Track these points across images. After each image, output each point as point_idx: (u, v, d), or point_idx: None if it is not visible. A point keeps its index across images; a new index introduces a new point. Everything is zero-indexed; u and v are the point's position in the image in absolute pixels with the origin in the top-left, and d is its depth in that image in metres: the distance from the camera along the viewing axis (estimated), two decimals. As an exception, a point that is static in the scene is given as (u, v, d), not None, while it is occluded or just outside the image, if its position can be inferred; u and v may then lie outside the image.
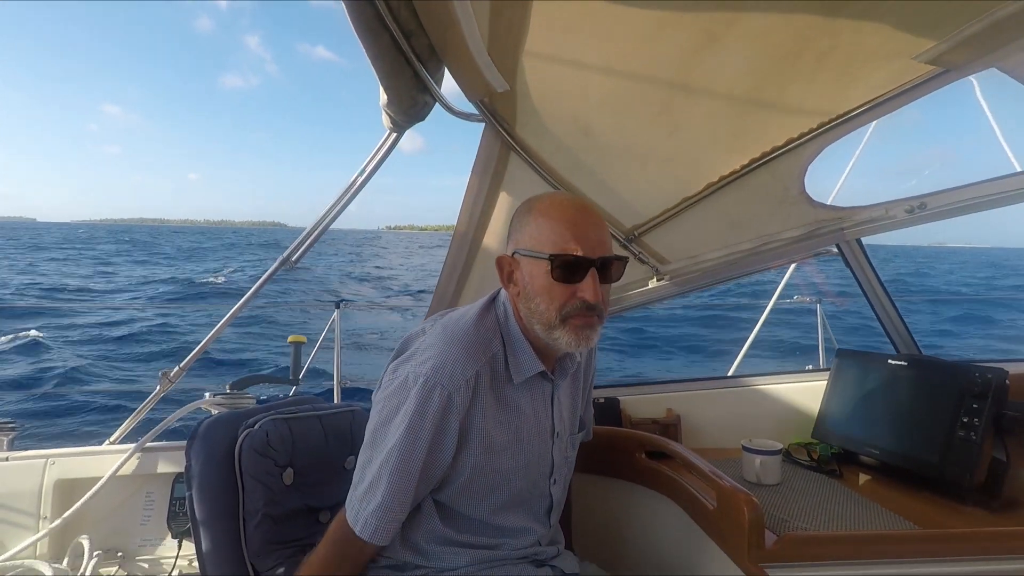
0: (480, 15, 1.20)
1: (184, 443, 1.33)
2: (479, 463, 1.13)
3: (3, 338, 10.79)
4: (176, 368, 2.03)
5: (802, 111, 1.66)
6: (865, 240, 2.14)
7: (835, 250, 2.17)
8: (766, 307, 3.80)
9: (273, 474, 1.36)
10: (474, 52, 1.27)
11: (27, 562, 1.89)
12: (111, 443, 2.12)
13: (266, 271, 1.93)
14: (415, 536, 1.17)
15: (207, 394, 2.08)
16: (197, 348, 2.04)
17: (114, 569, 1.98)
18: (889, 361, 1.80)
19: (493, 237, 1.86)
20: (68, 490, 2.03)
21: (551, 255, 1.06)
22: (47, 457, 2.04)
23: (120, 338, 12.12)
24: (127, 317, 13.83)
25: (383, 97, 1.42)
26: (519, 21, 1.29)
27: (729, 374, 3.16)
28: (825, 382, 2.00)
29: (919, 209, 1.90)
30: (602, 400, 2.10)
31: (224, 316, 2.03)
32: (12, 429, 2.19)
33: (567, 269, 1.06)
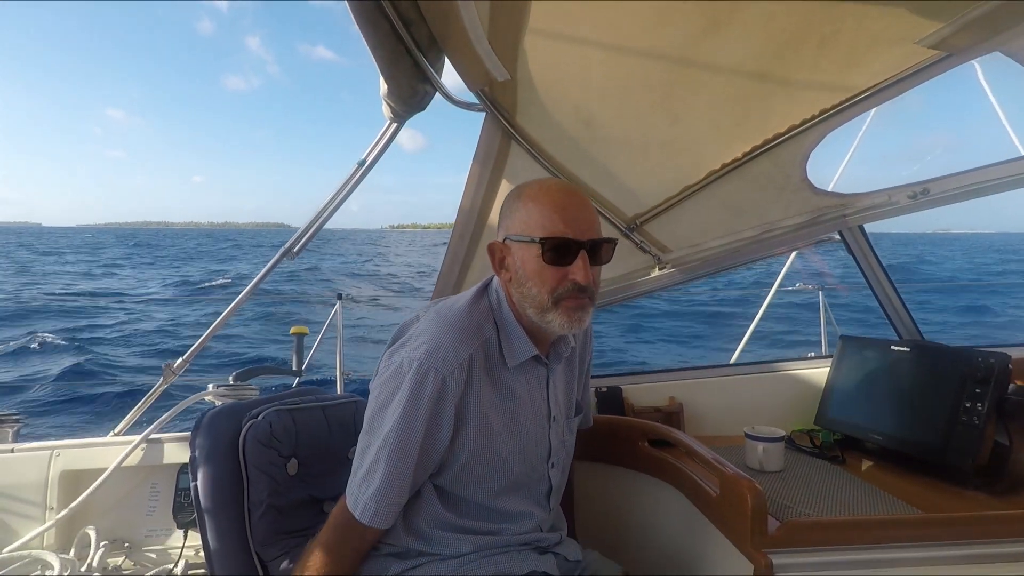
0: (480, 4, 1.20)
1: (188, 434, 1.34)
2: (476, 446, 1.14)
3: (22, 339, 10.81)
4: (180, 360, 2.03)
5: (804, 97, 1.66)
6: (867, 227, 2.13)
7: (837, 237, 2.17)
8: (767, 296, 3.79)
9: (277, 465, 1.36)
10: (474, 41, 1.26)
11: (34, 552, 1.91)
12: (116, 434, 2.13)
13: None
14: (417, 521, 1.18)
15: (210, 385, 2.09)
16: (200, 339, 2.05)
17: (121, 559, 2.00)
18: (892, 347, 1.80)
19: (495, 226, 1.86)
20: (74, 481, 2.05)
21: (542, 239, 1.08)
22: (52, 448, 2.05)
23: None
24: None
25: (383, 87, 1.41)
26: (519, 10, 1.28)
27: (731, 362, 3.16)
28: (827, 369, 2.00)
29: (922, 195, 1.89)
30: (604, 389, 2.10)
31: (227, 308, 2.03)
32: (16, 421, 2.21)
33: (558, 252, 1.08)
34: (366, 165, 1.78)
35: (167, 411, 2.10)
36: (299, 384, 2.52)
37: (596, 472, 1.78)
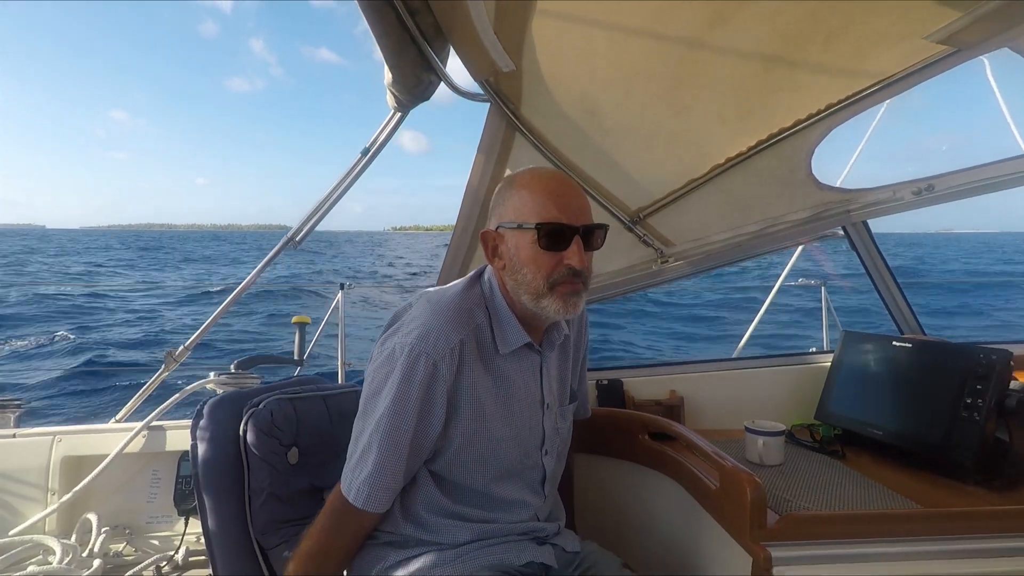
0: (486, -7, 1.19)
1: (189, 422, 1.34)
2: (469, 431, 1.15)
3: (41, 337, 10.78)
4: (181, 347, 2.04)
5: (811, 92, 1.65)
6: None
7: (841, 232, 2.16)
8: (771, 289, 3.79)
9: (278, 453, 1.36)
10: (480, 31, 1.26)
11: (36, 537, 1.92)
12: (117, 421, 2.13)
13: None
14: (415, 507, 1.19)
15: (212, 374, 2.10)
16: (202, 327, 2.05)
17: (122, 545, 2.01)
18: (894, 343, 1.80)
19: (498, 217, 1.86)
20: (75, 467, 2.06)
21: (537, 224, 1.09)
22: (54, 434, 2.06)
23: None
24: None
25: (388, 76, 1.40)
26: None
27: (733, 356, 3.16)
28: (828, 364, 2.00)
29: (927, 191, 1.89)
30: (605, 382, 2.10)
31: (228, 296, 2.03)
32: (18, 406, 2.22)
33: (553, 237, 1.09)
34: (369, 154, 1.77)
35: (168, 399, 2.10)
36: (300, 373, 2.52)
37: (596, 464, 1.79)
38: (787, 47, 1.45)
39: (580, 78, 1.56)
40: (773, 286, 3.79)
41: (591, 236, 1.14)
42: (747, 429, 1.65)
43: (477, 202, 1.81)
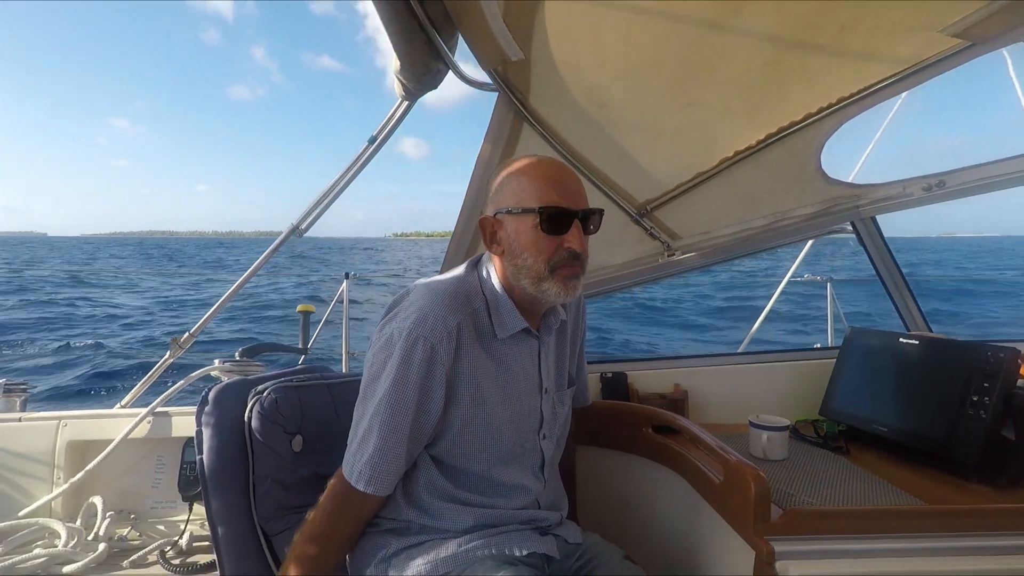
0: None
1: (194, 408, 1.34)
2: (469, 415, 1.16)
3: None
4: (186, 334, 2.05)
5: (822, 85, 1.63)
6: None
7: (849, 228, 2.15)
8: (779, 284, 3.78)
9: (282, 441, 1.37)
10: (489, 19, 1.25)
11: (42, 520, 1.94)
12: (122, 406, 2.15)
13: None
14: (417, 491, 1.20)
15: (217, 361, 2.10)
16: (207, 314, 2.05)
17: (127, 530, 2.03)
18: (900, 339, 1.79)
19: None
20: (81, 451, 2.07)
21: (539, 208, 1.11)
22: (60, 419, 2.07)
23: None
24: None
25: (396, 63, 1.40)
26: (535, -13, 1.26)
27: (739, 351, 3.16)
28: (833, 360, 1.99)
29: (937, 187, 1.87)
30: (610, 374, 2.10)
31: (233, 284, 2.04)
32: (24, 390, 2.23)
33: (554, 221, 1.11)
34: (376, 142, 1.77)
35: (173, 385, 2.11)
36: (305, 362, 2.53)
37: (599, 457, 1.79)
38: (799, 39, 1.43)
39: (589, 69, 1.55)
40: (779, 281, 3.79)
41: (588, 220, 1.16)
42: (751, 424, 1.64)
43: (483, 191, 1.80)
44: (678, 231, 2.17)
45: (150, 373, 2.12)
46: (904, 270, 2.19)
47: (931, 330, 2.16)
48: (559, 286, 1.14)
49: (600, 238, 2.11)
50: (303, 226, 1.97)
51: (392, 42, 1.28)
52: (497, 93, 1.64)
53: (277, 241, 2.00)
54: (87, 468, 1.97)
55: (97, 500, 2.00)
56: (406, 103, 1.63)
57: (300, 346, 2.61)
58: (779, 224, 2.11)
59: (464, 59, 1.48)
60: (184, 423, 2.07)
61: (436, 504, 1.19)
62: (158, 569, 1.85)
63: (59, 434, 2.06)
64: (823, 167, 1.92)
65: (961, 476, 1.48)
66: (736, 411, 2.00)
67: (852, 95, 1.64)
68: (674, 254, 2.20)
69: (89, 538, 1.93)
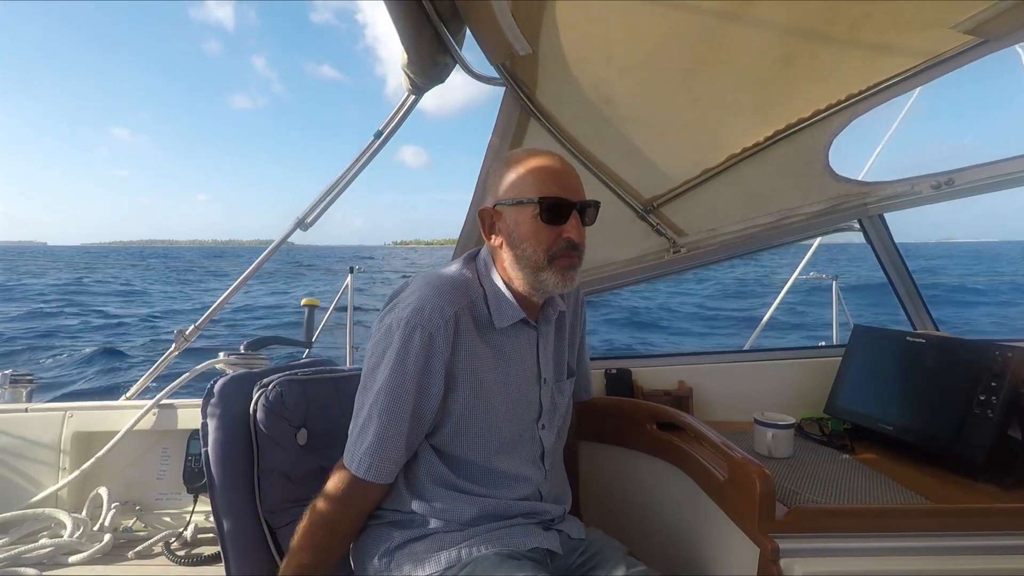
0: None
1: (199, 400, 1.35)
2: (468, 404, 1.17)
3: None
4: (192, 327, 2.05)
5: (831, 82, 1.62)
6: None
7: (856, 226, 2.14)
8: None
9: (287, 434, 1.37)
10: (497, 13, 1.25)
11: (48, 511, 1.95)
12: (127, 398, 2.15)
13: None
14: (420, 480, 1.21)
15: (221, 354, 2.11)
16: (213, 306, 2.06)
17: (132, 521, 2.04)
18: (907, 338, 1.78)
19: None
20: (86, 442, 2.08)
21: (540, 198, 1.13)
22: (65, 410, 2.08)
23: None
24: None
25: (402, 57, 1.39)
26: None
27: (744, 348, 3.15)
28: (838, 359, 1.98)
29: (946, 185, 1.86)
30: (614, 371, 2.10)
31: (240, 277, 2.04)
32: (30, 382, 2.24)
33: (553, 211, 1.13)
34: (383, 136, 1.76)
35: (179, 377, 2.12)
36: (309, 355, 2.53)
37: (603, 453, 1.79)
38: (809, 34, 1.42)
39: (596, 63, 1.54)
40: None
41: (586, 212, 1.19)
42: (756, 421, 1.64)
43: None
44: (684, 228, 2.16)
45: (156, 365, 2.13)
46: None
47: (938, 329, 2.15)
48: (557, 276, 1.16)
49: (606, 234, 2.12)
50: (309, 219, 1.97)
51: (400, 35, 1.27)
52: (504, 88, 1.63)
53: (284, 235, 2.00)
54: (93, 459, 1.98)
55: (103, 491, 2.01)
56: (413, 97, 1.62)
57: (304, 339, 2.61)
58: (786, 221, 2.10)
59: (471, 53, 1.48)
60: (189, 415, 2.08)
61: (439, 493, 1.20)
62: (163, 560, 1.86)
63: (65, 425, 2.07)
64: (831, 164, 1.90)
65: (968, 475, 1.48)
66: (741, 409, 2.00)
67: (861, 92, 1.63)
68: (680, 251, 2.20)
69: (95, 529, 1.94)
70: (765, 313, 3.70)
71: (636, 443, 1.71)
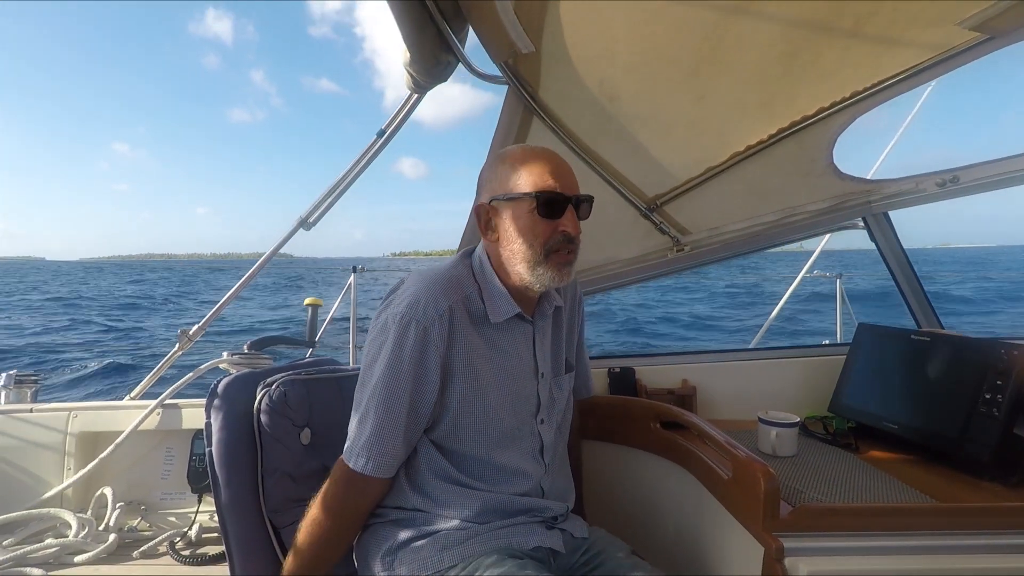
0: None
1: (203, 400, 1.35)
2: (465, 397, 1.18)
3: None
4: (195, 327, 2.05)
5: (835, 80, 1.61)
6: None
7: (861, 224, 2.13)
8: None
9: (291, 433, 1.37)
10: (500, 11, 1.25)
11: (53, 511, 1.95)
12: (131, 398, 2.16)
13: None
14: (421, 474, 1.21)
15: (225, 353, 2.11)
16: (216, 307, 2.06)
17: (136, 521, 2.04)
18: (911, 336, 1.78)
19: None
20: (91, 442, 2.08)
21: (536, 193, 1.14)
22: (70, 410, 2.08)
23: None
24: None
25: (405, 55, 1.39)
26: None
27: (750, 346, 3.14)
28: (842, 357, 1.98)
29: (951, 183, 1.85)
30: (617, 369, 2.10)
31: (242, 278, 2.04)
32: (35, 382, 2.24)
33: (550, 205, 1.14)
34: (385, 135, 1.76)
35: (183, 377, 2.12)
36: (312, 355, 2.53)
37: (606, 452, 1.79)
38: (813, 33, 1.42)
39: (599, 62, 1.54)
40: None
41: (581, 206, 1.19)
42: (760, 420, 1.64)
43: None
44: (688, 226, 2.16)
45: (159, 365, 2.13)
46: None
47: (943, 327, 2.14)
48: (554, 271, 1.16)
49: (609, 233, 2.12)
50: (311, 218, 1.97)
51: (402, 34, 1.27)
52: (507, 86, 1.63)
53: (287, 235, 2.00)
54: (97, 459, 1.98)
55: (107, 491, 2.02)
56: (415, 96, 1.63)
57: (307, 339, 2.61)
58: (790, 220, 2.10)
59: (473, 52, 1.47)
60: (193, 415, 2.08)
61: (440, 488, 1.20)
62: (167, 560, 1.86)
63: (69, 425, 2.07)
64: (835, 162, 1.90)
65: (973, 474, 1.47)
66: (745, 407, 2.00)
67: (866, 89, 1.62)
68: (683, 249, 2.19)
69: (100, 529, 1.95)
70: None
71: (640, 442, 1.71)
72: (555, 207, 1.14)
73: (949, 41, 1.44)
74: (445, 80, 1.51)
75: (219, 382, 1.36)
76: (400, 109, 1.70)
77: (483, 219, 1.23)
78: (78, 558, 1.80)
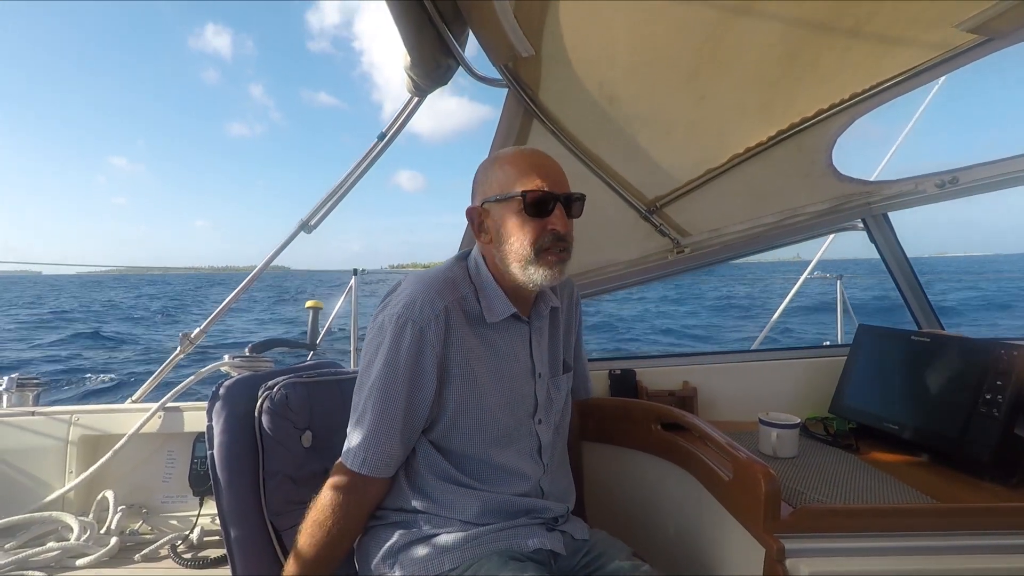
0: (507, -24, 1.18)
1: (204, 403, 1.35)
2: (462, 397, 1.18)
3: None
4: (197, 330, 2.05)
5: (834, 81, 1.62)
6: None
7: (860, 225, 2.13)
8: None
9: (292, 436, 1.37)
10: (500, 15, 1.25)
11: (55, 514, 1.95)
12: (133, 401, 2.16)
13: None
14: (421, 474, 1.21)
15: (226, 356, 2.11)
16: (217, 310, 2.06)
17: (138, 524, 2.04)
18: (912, 337, 1.78)
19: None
20: (92, 446, 2.09)
21: (523, 192, 1.15)
22: (72, 413, 2.09)
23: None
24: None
25: (406, 59, 1.39)
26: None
27: (751, 348, 3.14)
28: (843, 358, 1.98)
29: (950, 184, 1.86)
30: (618, 371, 2.10)
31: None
32: (37, 385, 2.24)
33: (538, 204, 1.15)
34: (386, 139, 1.77)
35: (184, 380, 2.12)
36: (313, 357, 2.54)
37: (607, 453, 1.79)
38: (812, 35, 1.42)
39: (599, 64, 1.54)
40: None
41: (571, 204, 1.20)
42: (761, 421, 1.64)
43: None
44: (688, 228, 2.16)
45: (161, 368, 2.14)
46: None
47: (943, 328, 2.14)
48: (545, 269, 1.17)
49: (609, 235, 2.12)
50: (312, 221, 1.97)
51: (402, 38, 1.28)
52: (507, 89, 1.64)
53: (288, 238, 2.00)
54: (99, 463, 1.98)
55: (109, 494, 2.02)
56: (416, 99, 1.63)
57: (308, 342, 2.62)
58: (790, 221, 2.10)
59: (474, 55, 1.48)
60: (194, 418, 2.08)
61: (440, 488, 1.20)
62: (169, 563, 1.86)
63: (71, 428, 2.07)
64: (834, 163, 1.90)
65: (974, 474, 1.47)
66: (745, 409, 2.00)
67: (865, 91, 1.62)
68: (683, 251, 2.19)
69: (101, 532, 1.95)
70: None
71: (640, 444, 1.71)
72: (542, 206, 1.15)
73: (948, 43, 1.45)
74: (445, 83, 1.51)
75: (221, 385, 1.36)
76: (401, 112, 1.71)
77: (476, 221, 1.24)
78: (80, 561, 1.80)
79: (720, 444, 1.33)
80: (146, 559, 1.88)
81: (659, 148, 1.86)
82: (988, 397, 1.49)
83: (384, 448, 1.14)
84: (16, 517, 1.92)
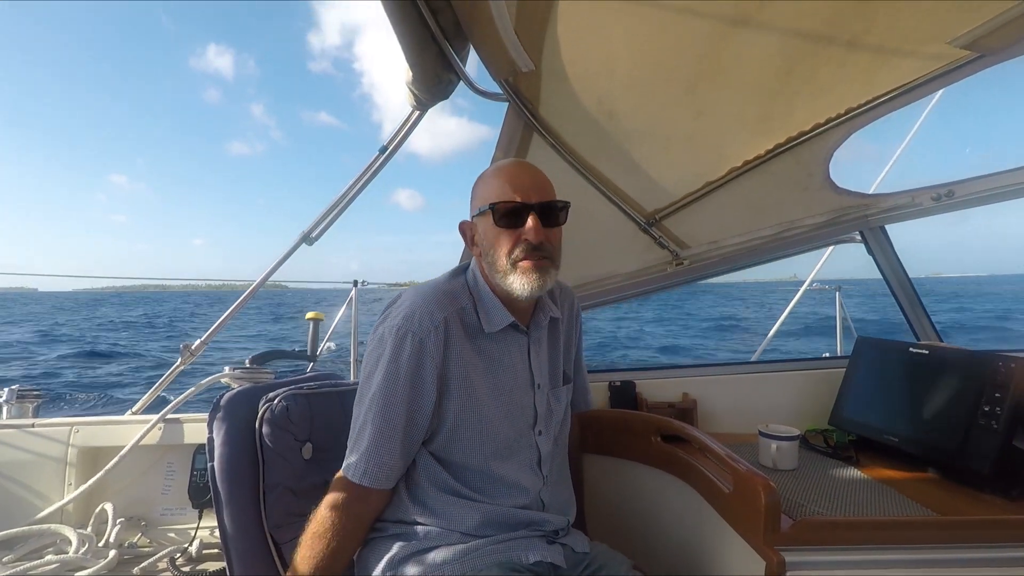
0: (507, -7, 1.19)
1: (205, 415, 1.35)
2: (461, 408, 1.19)
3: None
4: (197, 342, 2.06)
5: (831, 95, 1.64)
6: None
7: (858, 237, 2.15)
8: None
9: (293, 448, 1.37)
10: (500, 30, 1.26)
11: (53, 527, 1.95)
12: (133, 413, 2.16)
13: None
14: (420, 485, 1.22)
15: (227, 368, 2.11)
16: (218, 322, 2.06)
17: (137, 537, 2.03)
18: (910, 349, 1.78)
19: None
20: (92, 457, 2.08)
21: (492, 204, 1.17)
22: (71, 425, 2.08)
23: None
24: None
25: (407, 74, 1.41)
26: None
27: (752, 360, 3.14)
28: (842, 370, 1.98)
29: (947, 197, 1.87)
30: (618, 383, 2.10)
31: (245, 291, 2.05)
32: (37, 397, 2.24)
33: (508, 215, 1.17)
34: (387, 152, 1.78)
35: (184, 392, 2.12)
36: (313, 369, 2.53)
37: (607, 465, 1.79)
38: (809, 50, 1.44)
39: (599, 79, 1.56)
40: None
41: (550, 212, 1.19)
42: (761, 433, 1.64)
43: None
44: (687, 240, 2.17)
45: (161, 380, 2.13)
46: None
47: (941, 340, 2.15)
48: (522, 278, 1.17)
49: (608, 247, 2.13)
50: (314, 234, 1.98)
51: (404, 53, 1.29)
52: (507, 103, 1.65)
53: (289, 249, 2.01)
54: (98, 475, 1.98)
55: (108, 506, 2.01)
56: (417, 113, 1.65)
57: (309, 353, 2.61)
58: (787, 233, 2.11)
59: (474, 70, 1.49)
60: (194, 430, 2.08)
61: (440, 499, 1.20)
62: (168, 576, 1.85)
63: (70, 440, 2.07)
64: (832, 176, 1.92)
65: (973, 487, 1.47)
66: (745, 421, 2.00)
67: (861, 106, 1.64)
68: (682, 263, 2.20)
69: (100, 545, 1.94)
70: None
71: (640, 456, 1.71)
72: (513, 217, 1.17)
73: (942, 59, 1.47)
74: (446, 98, 1.53)
75: (222, 396, 1.36)
76: (402, 126, 1.72)
77: (468, 235, 1.27)
78: (78, 574, 1.79)
79: (720, 456, 1.33)
80: (145, 572, 1.87)
81: (658, 161, 1.88)
82: (987, 409, 1.49)
83: (384, 459, 1.15)
84: (15, 529, 1.91)
